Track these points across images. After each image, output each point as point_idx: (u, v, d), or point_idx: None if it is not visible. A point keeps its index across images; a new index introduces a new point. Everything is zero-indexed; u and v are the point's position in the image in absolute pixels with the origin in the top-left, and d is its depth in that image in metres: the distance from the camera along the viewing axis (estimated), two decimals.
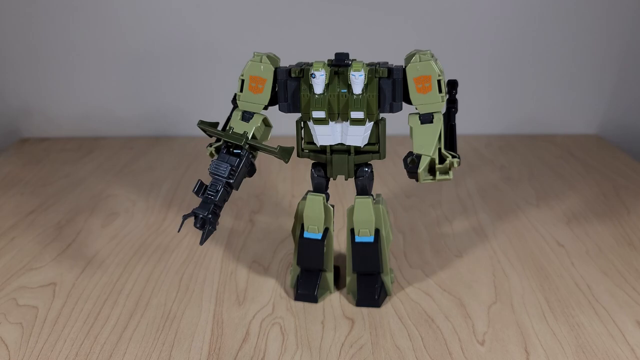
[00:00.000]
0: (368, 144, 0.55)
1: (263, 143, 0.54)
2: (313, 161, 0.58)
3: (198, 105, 1.13)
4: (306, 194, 0.58)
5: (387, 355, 0.52)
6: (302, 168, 0.95)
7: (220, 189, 0.52)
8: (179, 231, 0.54)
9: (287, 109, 0.55)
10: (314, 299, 0.60)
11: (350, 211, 0.58)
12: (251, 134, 0.54)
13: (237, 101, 0.55)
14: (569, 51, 1.09)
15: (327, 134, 0.54)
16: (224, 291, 0.62)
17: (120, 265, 0.68)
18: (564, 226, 0.76)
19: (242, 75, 0.54)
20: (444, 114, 0.53)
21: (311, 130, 0.55)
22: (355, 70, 0.51)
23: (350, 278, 0.60)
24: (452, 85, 0.56)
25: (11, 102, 1.15)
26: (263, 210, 0.83)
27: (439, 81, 0.52)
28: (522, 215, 0.80)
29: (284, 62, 0.57)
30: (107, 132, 1.17)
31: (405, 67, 0.52)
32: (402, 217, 0.79)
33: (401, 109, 0.54)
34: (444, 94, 0.52)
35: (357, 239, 0.58)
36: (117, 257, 0.70)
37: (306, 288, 0.60)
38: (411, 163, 0.51)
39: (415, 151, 0.51)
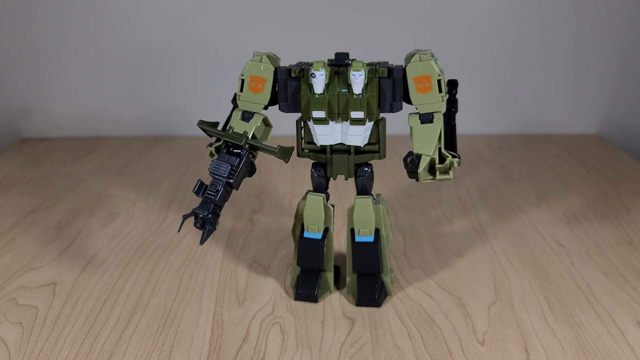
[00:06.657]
0: (368, 143, 0.55)
1: (263, 143, 0.54)
2: (313, 161, 0.58)
3: (198, 105, 1.13)
4: (306, 193, 0.58)
5: (387, 355, 0.52)
6: (302, 168, 0.95)
7: (220, 188, 0.52)
8: (179, 231, 0.54)
9: (287, 108, 0.55)
10: (314, 299, 0.60)
11: (350, 211, 0.58)
12: (251, 133, 0.54)
13: (237, 101, 0.55)
14: (569, 51, 1.09)
15: (327, 134, 0.54)
16: (224, 291, 0.62)
17: (120, 265, 0.68)
18: (564, 226, 0.76)
19: (242, 75, 0.54)
20: (444, 114, 0.53)
21: (311, 130, 0.55)
22: (355, 70, 0.51)
23: (350, 278, 0.60)
24: (452, 85, 0.56)
25: (11, 102, 1.15)
26: (263, 210, 0.82)
27: (439, 81, 0.51)
28: (522, 215, 0.80)
29: (284, 62, 0.57)
30: (107, 132, 1.17)
31: (405, 66, 0.52)
32: (402, 217, 0.79)
33: (401, 108, 0.54)
34: (444, 93, 0.52)
35: (357, 239, 0.58)
36: (117, 257, 0.70)
37: (306, 288, 0.60)
38: (411, 163, 0.51)
39: (415, 151, 0.51)
